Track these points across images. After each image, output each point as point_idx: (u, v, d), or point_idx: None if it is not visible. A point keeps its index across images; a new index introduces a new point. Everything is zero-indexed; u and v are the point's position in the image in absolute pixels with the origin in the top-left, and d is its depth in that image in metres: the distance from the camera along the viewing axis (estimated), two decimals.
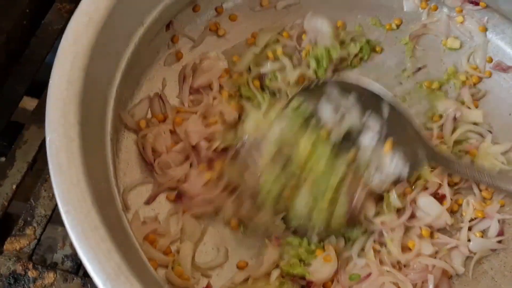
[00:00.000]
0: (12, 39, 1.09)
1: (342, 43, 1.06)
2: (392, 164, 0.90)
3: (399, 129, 0.89)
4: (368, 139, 0.91)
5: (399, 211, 0.93)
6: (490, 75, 1.07)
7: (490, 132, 1.02)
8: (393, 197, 0.92)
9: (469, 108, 1.04)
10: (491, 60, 1.09)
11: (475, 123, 1.03)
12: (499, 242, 0.94)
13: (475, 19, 1.09)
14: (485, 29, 1.09)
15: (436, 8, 1.11)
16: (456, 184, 0.97)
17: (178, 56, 1.01)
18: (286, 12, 1.10)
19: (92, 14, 0.79)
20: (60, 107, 0.71)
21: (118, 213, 0.73)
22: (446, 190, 0.95)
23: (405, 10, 1.12)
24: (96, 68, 0.77)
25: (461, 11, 1.10)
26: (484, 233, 0.95)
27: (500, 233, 0.95)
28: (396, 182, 0.92)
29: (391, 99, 0.89)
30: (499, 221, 0.95)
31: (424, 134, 0.90)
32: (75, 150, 0.69)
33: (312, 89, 0.93)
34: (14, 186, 0.96)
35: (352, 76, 0.90)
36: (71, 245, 0.90)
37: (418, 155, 0.90)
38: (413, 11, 1.12)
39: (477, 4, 1.08)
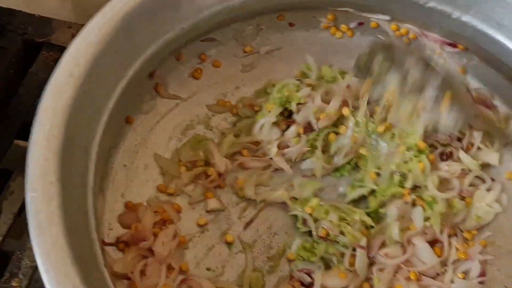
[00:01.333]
0: None
1: None
2: (449, 115, 0.97)
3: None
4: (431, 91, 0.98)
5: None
6: None
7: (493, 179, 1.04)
8: (395, 232, 0.93)
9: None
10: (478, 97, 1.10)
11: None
12: (481, 283, 0.95)
13: (455, 61, 1.11)
14: (465, 71, 1.11)
15: None
16: None
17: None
18: (270, 57, 1.12)
19: (72, 70, 0.80)
20: (39, 166, 0.71)
21: (100, 269, 0.73)
22: (444, 238, 0.96)
23: None
24: (76, 124, 0.78)
25: (441, 54, 1.11)
26: (466, 274, 0.96)
27: (482, 273, 0.95)
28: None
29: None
30: (480, 262, 0.96)
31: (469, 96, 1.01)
32: (55, 209, 0.69)
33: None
34: (0, 238, 0.96)
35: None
36: None
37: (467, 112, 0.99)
38: None
39: (455, 46, 1.10)
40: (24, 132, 1.07)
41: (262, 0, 1.04)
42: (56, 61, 1.13)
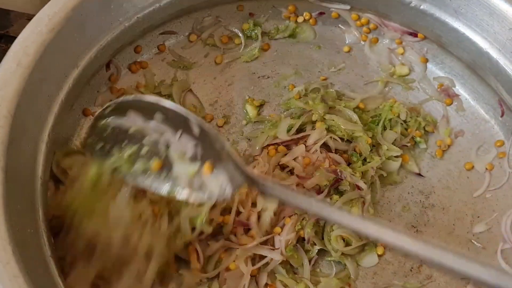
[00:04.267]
0: None
1: None
2: (214, 184, 0.82)
3: (213, 148, 0.81)
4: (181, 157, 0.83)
5: None
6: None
7: None
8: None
9: None
10: (441, 85, 1.11)
11: None
12: None
13: (415, 50, 1.11)
14: (426, 60, 1.11)
15: (376, 41, 1.13)
16: None
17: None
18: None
19: (21, 59, 0.80)
20: None
21: (46, 259, 0.73)
22: None
23: (346, 42, 1.14)
24: (25, 113, 0.78)
25: (401, 42, 1.11)
26: None
27: None
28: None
29: (198, 119, 0.79)
30: None
31: (236, 155, 0.81)
32: None
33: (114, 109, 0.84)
34: None
35: (150, 97, 0.81)
36: None
37: (236, 175, 0.81)
38: (355, 43, 1.13)
39: (415, 35, 1.10)
40: None
41: None
42: (5, 52, 1.13)
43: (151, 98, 0.81)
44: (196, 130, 0.79)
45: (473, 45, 1.02)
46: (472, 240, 0.99)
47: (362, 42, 1.13)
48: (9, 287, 0.64)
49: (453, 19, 1.02)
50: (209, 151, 0.81)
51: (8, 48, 1.13)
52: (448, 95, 1.10)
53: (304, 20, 1.13)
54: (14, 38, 1.14)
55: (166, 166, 0.82)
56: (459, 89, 1.10)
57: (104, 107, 0.83)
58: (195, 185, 0.82)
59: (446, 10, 1.02)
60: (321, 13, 1.12)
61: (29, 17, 1.17)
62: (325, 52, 1.13)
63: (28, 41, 0.82)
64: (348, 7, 1.10)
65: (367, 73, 1.12)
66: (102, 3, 0.91)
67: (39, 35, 0.83)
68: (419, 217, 1.01)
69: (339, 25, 1.13)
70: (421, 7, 1.04)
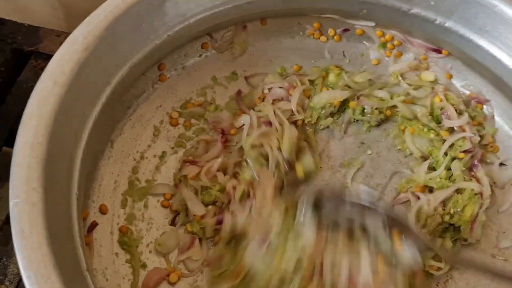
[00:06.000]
0: None
1: None
2: (406, 252, 0.86)
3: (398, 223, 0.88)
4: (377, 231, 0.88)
5: None
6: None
7: None
8: None
9: None
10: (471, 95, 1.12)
11: None
12: None
13: (440, 67, 1.12)
14: (450, 76, 1.12)
15: (400, 55, 1.14)
16: None
17: None
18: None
19: (57, 77, 0.82)
20: (23, 172, 0.73)
21: (82, 273, 0.74)
22: None
23: (371, 58, 1.15)
24: (61, 131, 0.79)
25: (426, 59, 1.13)
26: None
27: None
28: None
29: (384, 206, 0.90)
30: None
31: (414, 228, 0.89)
32: (38, 215, 0.70)
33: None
34: None
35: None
36: None
37: (420, 245, 0.87)
38: (379, 59, 1.14)
39: (440, 52, 1.11)
40: (12, 140, 1.08)
41: (246, 8, 1.04)
42: (43, 69, 1.15)
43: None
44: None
45: (498, 62, 1.03)
46: (497, 256, 1.00)
47: (387, 58, 1.14)
48: None
49: (478, 37, 1.04)
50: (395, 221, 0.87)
51: (39, 64, 1.17)
52: (479, 101, 1.10)
53: (327, 38, 1.15)
54: (44, 54, 1.18)
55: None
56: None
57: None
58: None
59: (471, 27, 1.04)
60: (345, 30, 1.14)
61: (58, 34, 1.20)
62: (349, 68, 1.14)
63: (64, 60, 0.84)
64: (373, 23, 1.12)
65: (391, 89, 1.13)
66: (134, 22, 0.93)
67: (75, 54, 0.85)
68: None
69: (364, 42, 1.15)
70: (446, 24, 1.05)
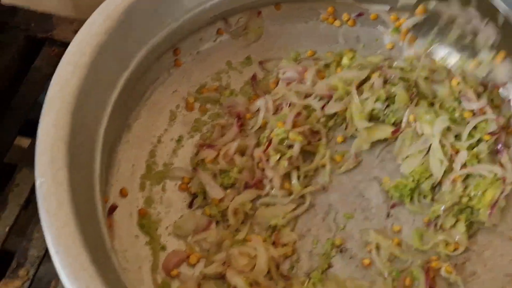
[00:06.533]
0: (3, 84, 1.12)
1: None
2: (502, 70, 1.00)
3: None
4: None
5: None
6: None
7: None
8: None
9: None
10: None
11: None
12: None
13: None
14: None
15: (415, 39, 1.14)
16: None
17: None
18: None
19: (78, 60, 0.82)
20: (48, 153, 0.73)
21: (107, 252, 0.75)
22: None
23: (385, 43, 1.15)
24: (83, 114, 0.80)
25: None
26: None
27: None
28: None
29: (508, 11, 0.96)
30: None
31: None
32: (64, 193, 0.71)
33: None
34: (7, 229, 0.98)
35: None
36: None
37: None
38: (394, 43, 1.15)
39: None
40: (27, 128, 1.09)
41: None
42: (58, 56, 1.16)
43: None
44: (501, 20, 0.98)
45: None
46: None
47: (401, 43, 1.14)
48: (80, 279, 0.66)
49: None
50: (507, 40, 0.99)
51: (53, 51, 1.18)
52: (495, 84, 1.08)
53: (341, 22, 1.15)
54: (57, 41, 1.18)
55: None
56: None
57: None
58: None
59: None
60: (360, 14, 1.14)
61: (71, 21, 1.21)
62: (364, 53, 1.14)
63: (83, 44, 0.84)
64: (387, 7, 1.12)
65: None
66: (151, 6, 0.93)
67: (94, 37, 0.85)
68: None
69: (378, 26, 1.15)
70: None
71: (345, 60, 1.10)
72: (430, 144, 1.01)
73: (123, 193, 0.94)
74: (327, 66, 1.10)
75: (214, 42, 1.10)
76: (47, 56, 1.18)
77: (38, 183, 0.72)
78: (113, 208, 0.90)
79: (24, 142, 1.12)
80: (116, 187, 0.94)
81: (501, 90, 1.08)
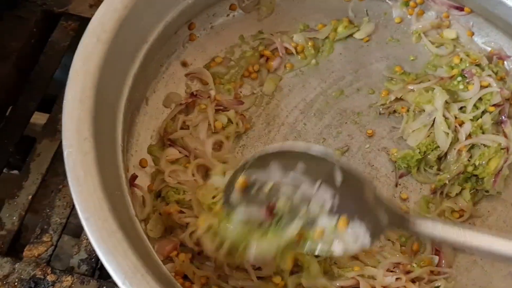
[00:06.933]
0: (21, 57, 1.15)
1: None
2: (350, 236, 0.79)
3: (355, 195, 0.80)
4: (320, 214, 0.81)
5: None
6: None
7: None
8: None
9: None
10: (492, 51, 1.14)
11: None
12: None
13: (461, 24, 1.15)
14: (472, 34, 1.15)
15: (422, 13, 1.16)
16: None
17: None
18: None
19: (100, 35, 0.85)
20: (74, 124, 0.77)
21: (132, 218, 0.79)
22: None
23: (393, 16, 1.18)
24: (105, 85, 0.83)
25: (448, 16, 1.15)
26: None
27: None
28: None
29: (344, 164, 0.79)
30: None
31: (382, 196, 0.81)
32: (90, 162, 0.75)
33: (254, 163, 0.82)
34: (29, 197, 1.02)
35: (299, 144, 0.86)
36: (86, 250, 0.96)
37: (379, 221, 0.79)
38: (402, 17, 1.17)
39: (462, 9, 1.14)
40: (44, 103, 1.13)
41: None
42: (74, 30, 1.19)
43: (300, 147, 0.80)
44: (339, 179, 0.78)
45: None
46: None
47: (409, 17, 1.17)
48: (108, 242, 0.70)
49: None
50: (347, 201, 0.78)
51: (69, 25, 1.20)
52: (500, 57, 1.13)
53: None
54: (74, 15, 1.21)
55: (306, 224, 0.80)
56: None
57: (247, 161, 0.81)
58: (328, 239, 0.80)
59: None
60: None
61: None
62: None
63: (105, 18, 0.87)
64: None
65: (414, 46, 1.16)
66: None
67: (115, 12, 0.88)
68: None
69: (387, 0, 1.17)
70: None
71: (340, 28, 1.15)
72: (434, 118, 1.05)
73: (142, 164, 0.98)
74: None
75: (227, 17, 1.13)
76: (63, 30, 1.21)
77: (65, 153, 0.75)
78: (133, 178, 0.93)
79: (40, 118, 1.15)
80: (135, 158, 0.98)
81: (506, 62, 1.11)
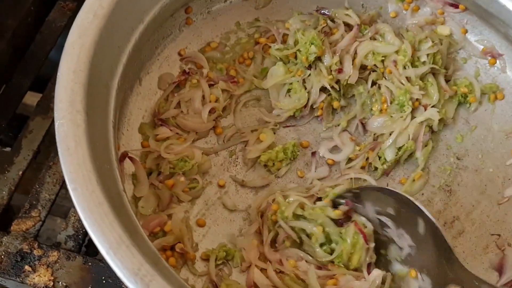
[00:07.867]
0: (17, 35, 1.15)
1: None
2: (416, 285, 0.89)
3: (430, 247, 0.90)
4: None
5: None
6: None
7: None
8: None
9: None
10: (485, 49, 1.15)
11: None
12: None
13: (456, 21, 1.16)
14: (465, 31, 1.16)
15: (417, 9, 1.17)
16: None
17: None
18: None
19: (97, 10, 0.86)
20: (67, 96, 0.77)
21: (120, 192, 0.79)
22: None
23: (389, 11, 1.19)
24: (100, 61, 0.84)
25: (443, 13, 1.16)
26: None
27: None
28: None
29: (429, 214, 0.90)
30: None
31: (454, 253, 0.89)
32: (81, 134, 0.75)
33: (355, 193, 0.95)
34: (20, 172, 1.02)
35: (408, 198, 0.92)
36: (74, 226, 0.97)
37: (446, 275, 0.88)
38: (397, 12, 1.18)
39: (457, 7, 1.14)
40: (39, 83, 1.14)
41: None
42: (72, 10, 1.19)
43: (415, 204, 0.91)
44: (421, 230, 0.90)
45: None
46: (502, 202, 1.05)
47: (404, 12, 1.18)
48: (95, 213, 0.71)
49: None
50: (422, 255, 0.89)
51: (67, 5, 1.21)
52: (492, 55, 1.14)
53: None
54: None
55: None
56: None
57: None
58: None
59: None
60: None
61: None
62: None
63: None
64: None
65: None
66: None
67: None
68: (453, 177, 1.07)
69: None
70: None
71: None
72: None
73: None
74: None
75: (224, 3, 1.14)
76: (61, 9, 1.22)
77: (57, 124, 0.75)
78: (123, 156, 0.94)
79: (32, 98, 1.16)
80: (126, 137, 0.98)
81: (497, 61, 1.13)
